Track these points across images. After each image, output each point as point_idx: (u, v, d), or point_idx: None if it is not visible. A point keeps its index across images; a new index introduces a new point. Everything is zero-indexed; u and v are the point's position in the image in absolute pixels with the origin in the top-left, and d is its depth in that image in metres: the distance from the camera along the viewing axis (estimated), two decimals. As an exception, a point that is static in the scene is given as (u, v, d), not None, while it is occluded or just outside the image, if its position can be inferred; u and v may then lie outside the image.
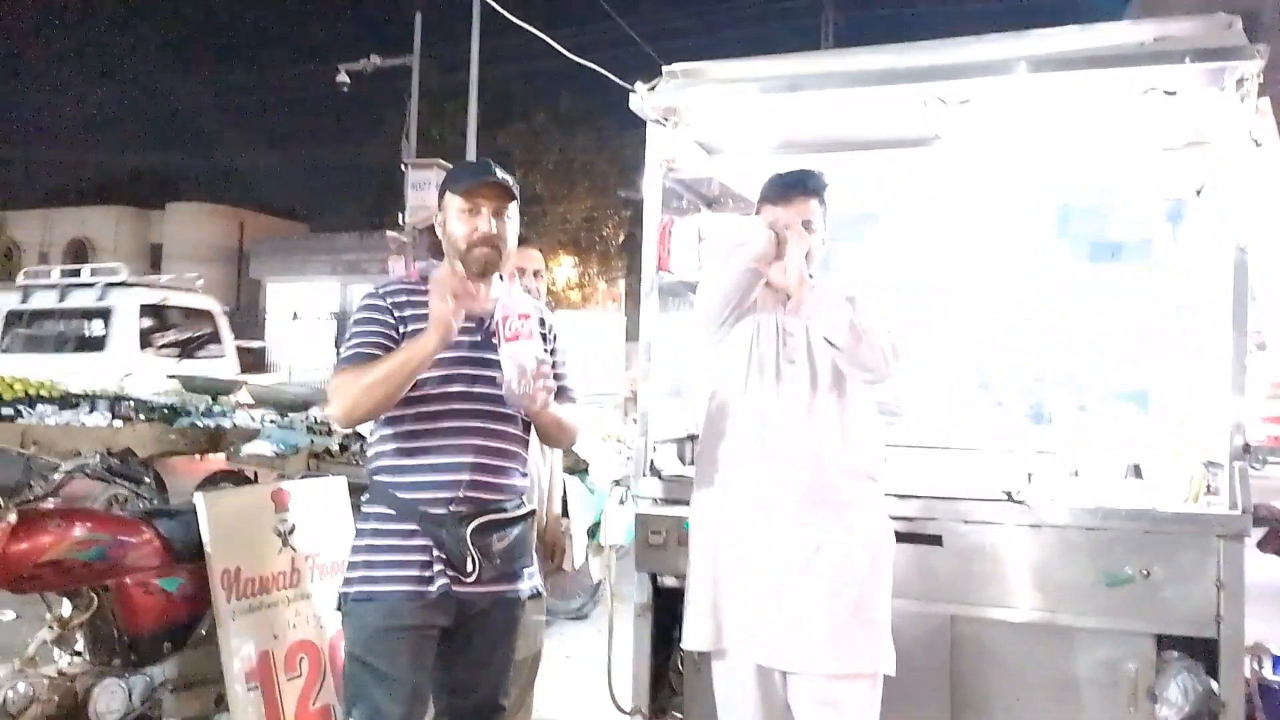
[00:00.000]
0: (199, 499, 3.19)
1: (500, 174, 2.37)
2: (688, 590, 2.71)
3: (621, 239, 24.43)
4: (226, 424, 6.64)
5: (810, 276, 2.58)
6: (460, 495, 2.28)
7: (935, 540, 2.98)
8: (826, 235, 2.70)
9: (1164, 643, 2.85)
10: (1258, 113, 2.94)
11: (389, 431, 2.34)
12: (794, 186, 2.64)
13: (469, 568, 2.25)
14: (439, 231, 2.44)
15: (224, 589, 3.11)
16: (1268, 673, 3.02)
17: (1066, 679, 2.91)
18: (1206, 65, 2.82)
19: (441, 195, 2.43)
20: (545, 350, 2.47)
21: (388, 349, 2.28)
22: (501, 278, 2.49)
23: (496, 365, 2.25)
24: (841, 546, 2.50)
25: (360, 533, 2.36)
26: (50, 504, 3.18)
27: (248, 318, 28.07)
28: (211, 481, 6.13)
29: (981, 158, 3.62)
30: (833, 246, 2.74)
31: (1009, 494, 2.98)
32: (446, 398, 2.29)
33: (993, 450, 3.69)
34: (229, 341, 12.19)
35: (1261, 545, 2.93)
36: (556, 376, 2.50)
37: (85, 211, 31.76)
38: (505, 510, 2.35)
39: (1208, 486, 3.01)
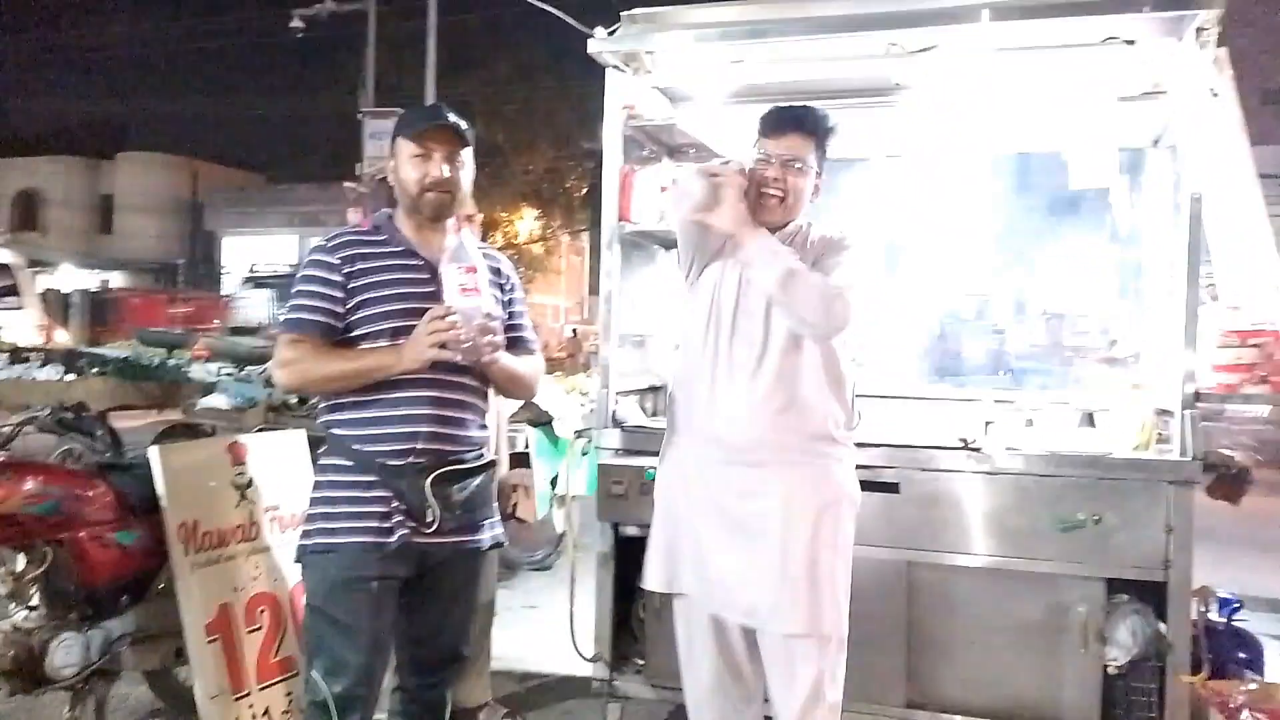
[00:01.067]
0: (153, 453, 3.15)
1: (452, 117, 2.34)
2: (651, 532, 2.71)
3: (585, 191, 24.20)
4: (182, 378, 6.55)
5: (796, 222, 2.55)
6: (418, 446, 2.27)
7: (893, 488, 3.03)
8: (819, 177, 2.58)
9: (1114, 586, 2.93)
10: (1215, 63, 2.96)
11: None
12: (786, 121, 2.54)
13: (429, 518, 2.25)
14: (390, 178, 2.41)
15: (181, 542, 3.08)
16: (1214, 615, 3.11)
17: (1019, 622, 2.98)
18: (1165, 13, 2.84)
19: (393, 141, 2.39)
20: (502, 299, 2.46)
21: (332, 313, 2.28)
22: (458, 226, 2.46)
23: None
24: (785, 508, 2.44)
25: (318, 485, 2.35)
26: (1, 457, 3.12)
27: (203, 272, 27.63)
28: (168, 435, 6.06)
29: (943, 107, 3.61)
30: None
31: (965, 442, 3.03)
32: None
33: (951, 399, 3.73)
34: (30, 294, 12.41)
35: (1211, 491, 3.01)
36: (515, 327, 2.49)
37: (34, 162, 30.94)
38: (464, 461, 2.34)
39: (1160, 434, 3.07)
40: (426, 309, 2.22)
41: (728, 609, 2.52)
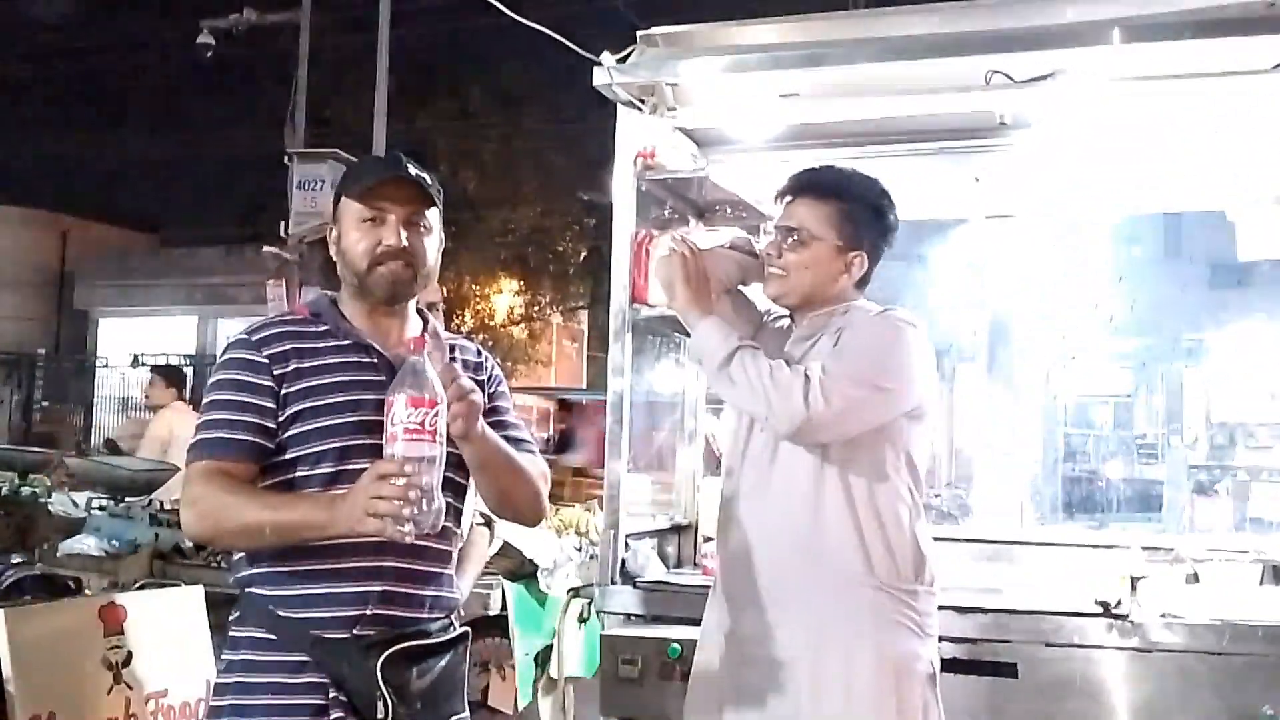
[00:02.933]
0: (-1, 617, 3.15)
1: (413, 169, 2.39)
2: None
3: (583, 256, 24.50)
4: (39, 511, 6.55)
5: (830, 307, 2.69)
6: (368, 613, 2.26)
7: (1009, 670, 3.00)
8: (850, 252, 2.70)
9: (1318, 809, 2.87)
10: None
11: None
12: (789, 185, 2.76)
13: (379, 714, 2.22)
14: (332, 249, 2.45)
15: (33, 743, 3.06)
16: None
17: None
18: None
19: (336, 201, 2.44)
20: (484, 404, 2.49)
21: (261, 429, 2.28)
22: (425, 317, 2.49)
23: None
24: (810, 671, 2.54)
25: (229, 666, 2.32)
26: None
27: (70, 365, 27.85)
28: (16, 591, 6.04)
29: (1063, 154, 3.68)
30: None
31: (1106, 606, 3.01)
32: (349, 477, 2.24)
33: (1084, 547, 3.71)
34: None
35: None
36: (502, 424, 2.51)
37: None
38: (429, 634, 2.33)
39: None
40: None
41: None
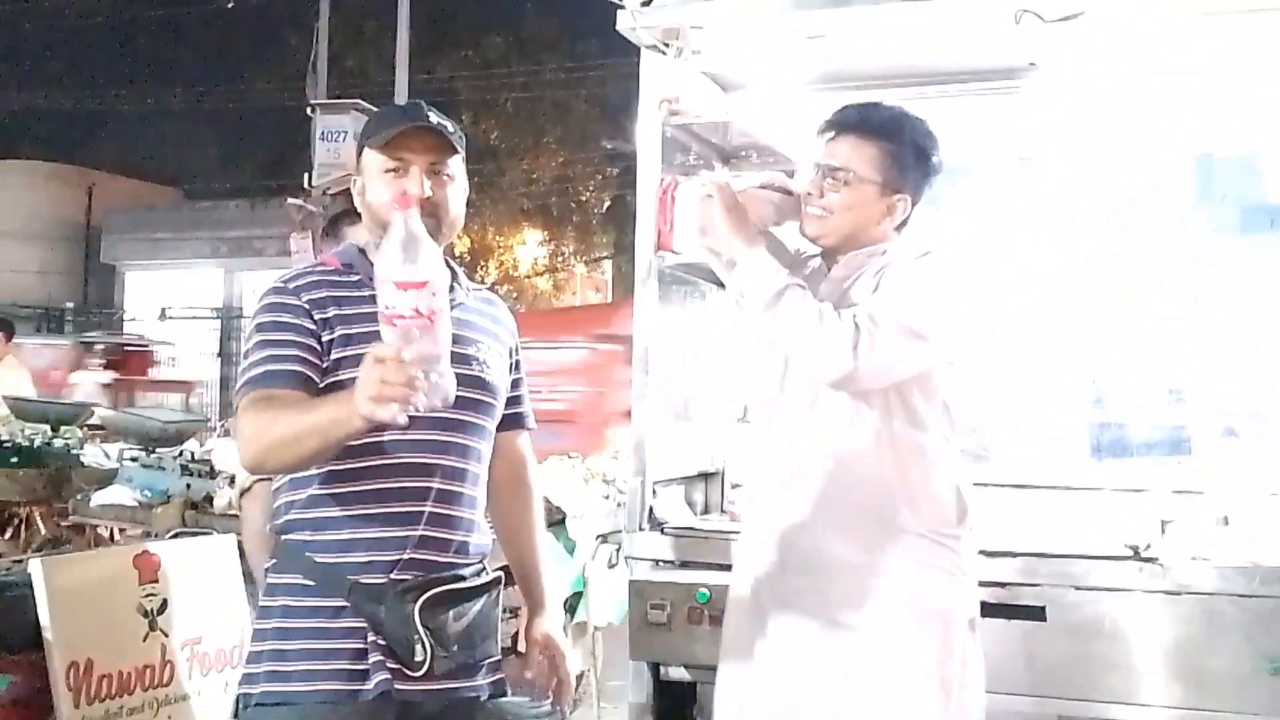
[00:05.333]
0: (35, 567, 3.19)
1: (434, 117, 2.38)
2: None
3: (607, 205, 24.45)
4: (72, 463, 6.62)
5: (867, 249, 2.67)
6: (405, 557, 2.27)
7: (1037, 614, 3.00)
8: (894, 195, 2.66)
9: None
10: None
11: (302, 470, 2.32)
12: (836, 121, 2.69)
13: (418, 657, 2.24)
14: (357, 200, 2.45)
15: (71, 690, 3.10)
16: None
17: (1217, 801, 2.93)
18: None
19: (359, 152, 2.43)
20: (508, 362, 2.49)
21: (311, 364, 2.27)
22: (452, 266, 2.49)
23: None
24: (844, 611, 2.53)
25: (266, 611, 2.34)
26: None
27: (99, 317, 28.05)
28: (54, 542, 6.11)
29: (1093, 94, 3.64)
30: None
31: (1135, 550, 3.01)
32: (390, 426, 2.24)
33: (1113, 490, 3.70)
34: None
35: None
36: (515, 400, 2.54)
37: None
38: (464, 578, 2.34)
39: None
40: None
41: None
